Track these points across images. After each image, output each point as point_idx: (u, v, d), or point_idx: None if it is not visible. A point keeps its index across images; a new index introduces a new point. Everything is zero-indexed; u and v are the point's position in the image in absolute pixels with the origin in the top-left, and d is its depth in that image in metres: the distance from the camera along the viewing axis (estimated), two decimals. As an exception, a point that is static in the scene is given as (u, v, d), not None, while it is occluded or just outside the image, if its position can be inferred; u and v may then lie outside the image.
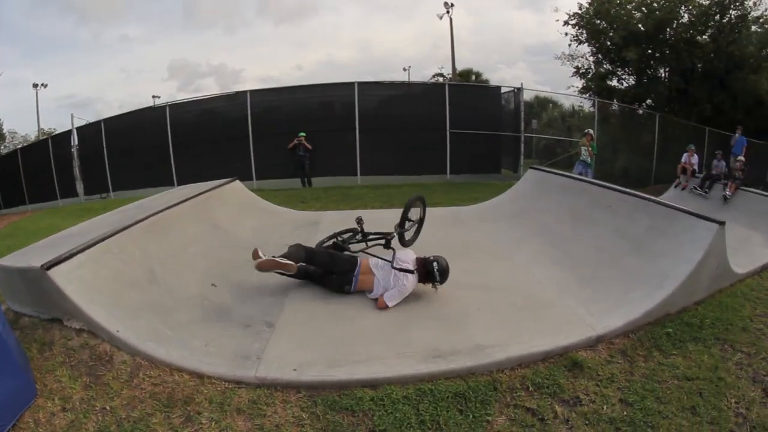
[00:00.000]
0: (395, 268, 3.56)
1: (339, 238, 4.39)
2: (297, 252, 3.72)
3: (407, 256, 3.68)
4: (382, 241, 4.09)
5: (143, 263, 3.67)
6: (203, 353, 2.91)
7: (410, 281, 3.52)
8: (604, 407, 2.50)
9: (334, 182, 11.60)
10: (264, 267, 3.52)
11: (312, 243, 4.29)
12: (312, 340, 3.08)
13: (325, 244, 4.33)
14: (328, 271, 3.68)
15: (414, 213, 4.63)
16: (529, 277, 4.03)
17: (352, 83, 12.22)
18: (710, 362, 2.88)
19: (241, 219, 5.48)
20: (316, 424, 2.39)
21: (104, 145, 13.82)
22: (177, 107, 13.34)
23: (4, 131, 28.87)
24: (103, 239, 3.45)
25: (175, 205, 4.65)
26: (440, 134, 12.39)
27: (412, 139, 12.36)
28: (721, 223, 3.55)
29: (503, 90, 13.87)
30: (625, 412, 2.47)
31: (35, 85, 26.51)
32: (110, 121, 14.11)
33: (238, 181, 6.23)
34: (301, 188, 11.67)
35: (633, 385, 2.67)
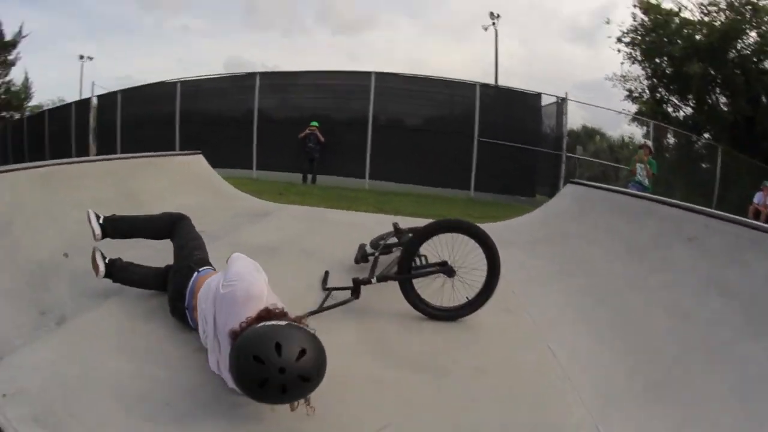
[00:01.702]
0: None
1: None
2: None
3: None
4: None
5: (5, 211, 3.01)
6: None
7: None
8: None
9: (340, 183, 10.28)
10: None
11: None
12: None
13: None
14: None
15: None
16: (547, 359, 2.18)
17: (369, 72, 10.71)
18: None
19: (173, 194, 4.62)
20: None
21: (118, 115, 13.72)
22: (188, 84, 12.52)
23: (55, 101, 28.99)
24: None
25: (91, 161, 4.52)
26: (467, 142, 10.50)
27: (433, 144, 10.66)
28: None
29: (545, 102, 11.58)
30: None
31: (81, 57, 26.36)
32: (126, 92, 13.94)
33: (201, 155, 5.99)
34: (300, 183, 10.38)
35: None
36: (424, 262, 2.70)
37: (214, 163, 10.58)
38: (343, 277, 2.90)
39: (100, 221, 2.54)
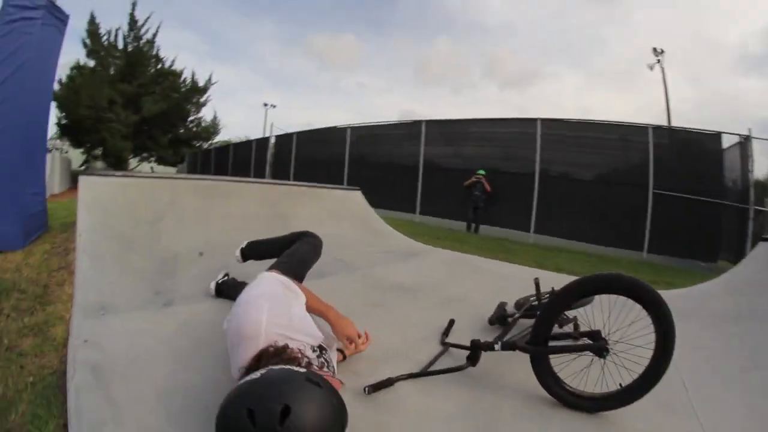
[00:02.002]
0: None
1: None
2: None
3: None
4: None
5: (161, 208, 3.83)
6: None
7: None
8: None
9: (503, 234, 9.78)
10: None
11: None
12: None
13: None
14: None
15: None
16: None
17: (534, 119, 10.01)
18: None
19: (322, 223, 4.71)
20: None
21: (293, 153, 15.97)
22: (358, 129, 13.67)
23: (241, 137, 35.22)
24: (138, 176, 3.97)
25: (246, 182, 4.92)
26: (640, 194, 8.88)
27: (604, 196, 9.33)
28: None
29: (725, 143, 9.01)
30: None
31: (265, 104, 31.50)
32: (301, 135, 16.02)
33: (359, 192, 6.16)
34: (464, 231, 10.14)
35: None
36: (571, 328, 2.19)
37: (379, 203, 11.13)
38: (472, 335, 2.55)
39: (243, 245, 2.82)
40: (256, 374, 1.18)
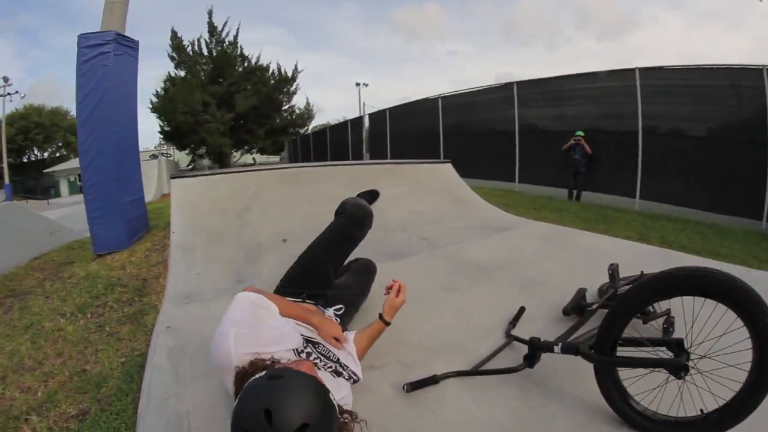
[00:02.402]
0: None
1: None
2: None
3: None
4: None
5: (247, 199, 4.09)
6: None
7: None
8: None
9: (607, 201, 8.77)
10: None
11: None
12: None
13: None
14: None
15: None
16: None
17: (632, 69, 8.51)
18: None
19: (409, 200, 4.77)
20: None
21: (387, 129, 15.92)
22: (449, 98, 13.18)
23: (339, 119, 36.37)
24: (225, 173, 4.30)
25: (331, 165, 5.04)
26: (755, 151, 7.01)
27: (714, 155, 7.62)
28: None
29: None
30: None
31: (357, 84, 31.94)
32: (394, 110, 15.85)
33: (449, 164, 5.86)
34: (563, 199, 9.34)
35: None
36: (659, 326, 1.86)
37: (476, 174, 11.09)
38: (543, 326, 2.31)
39: None
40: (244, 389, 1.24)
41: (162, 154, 27.40)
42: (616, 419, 1.57)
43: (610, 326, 1.56)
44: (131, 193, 4.61)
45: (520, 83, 10.93)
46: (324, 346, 1.68)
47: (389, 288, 1.91)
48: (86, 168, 4.16)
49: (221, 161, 25.46)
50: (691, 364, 1.45)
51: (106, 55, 4.12)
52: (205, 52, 23.34)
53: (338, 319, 2.01)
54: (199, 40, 23.14)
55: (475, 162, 11.78)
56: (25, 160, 42.65)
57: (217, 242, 3.56)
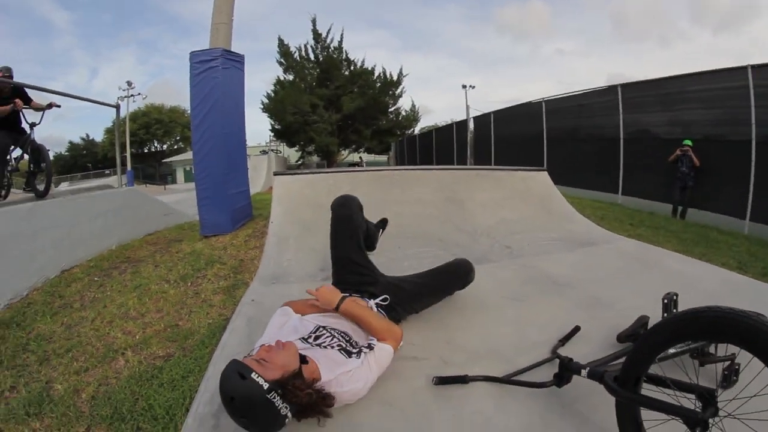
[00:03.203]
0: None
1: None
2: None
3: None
4: None
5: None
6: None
7: None
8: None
9: (714, 221, 7.79)
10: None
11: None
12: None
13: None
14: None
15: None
16: None
17: (744, 67, 7.27)
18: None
19: (498, 206, 4.86)
20: None
21: (492, 132, 15.90)
22: (552, 102, 12.70)
23: (447, 121, 36.31)
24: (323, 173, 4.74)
25: (423, 170, 5.20)
26: None
27: None
28: None
29: None
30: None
31: (463, 86, 31.53)
32: (498, 113, 15.71)
33: (545, 173, 5.81)
34: (667, 216, 8.47)
35: None
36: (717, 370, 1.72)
37: (579, 183, 10.75)
38: (593, 349, 2.27)
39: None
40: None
41: (272, 150, 29.81)
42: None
43: (635, 361, 1.49)
44: (237, 186, 5.27)
45: (624, 86, 10.18)
46: (333, 328, 1.99)
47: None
48: (198, 163, 4.88)
49: (328, 159, 27.07)
50: (715, 420, 1.30)
51: (215, 69, 4.78)
52: (312, 57, 24.98)
53: (382, 312, 2.24)
54: (305, 46, 24.92)
55: (579, 170, 11.28)
56: (146, 151, 49.43)
57: (308, 234, 3.96)
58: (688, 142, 8.37)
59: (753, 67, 7.25)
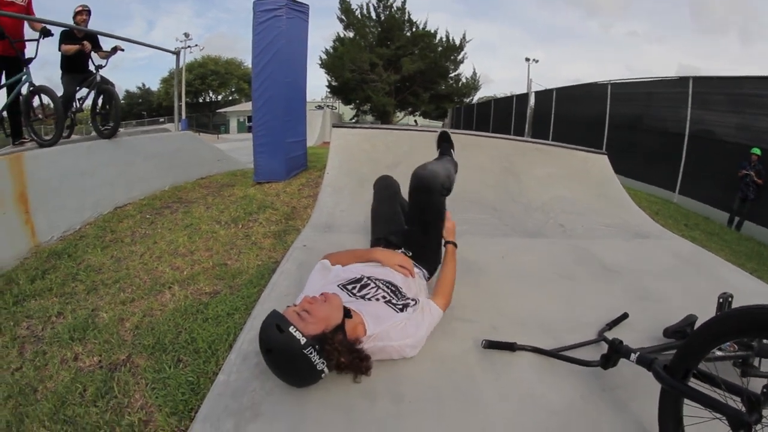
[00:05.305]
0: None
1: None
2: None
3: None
4: None
5: (400, 156, 4.38)
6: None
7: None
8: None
9: None
10: None
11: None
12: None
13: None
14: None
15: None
16: None
17: None
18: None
19: (554, 183, 4.77)
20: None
21: (552, 109, 15.43)
22: (618, 86, 12.05)
23: (506, 92, 35.12)
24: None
25: (487, 137, 5.28)
26: None
27: None
28: None
29: None
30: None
31: (527, 60, 30.05)
32: (561, 91, 15.18)
33: (605, 157, 5.61)
34: (723, 225, 8.04)
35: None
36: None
37: (634, 173, 10.29)
38: (638, 338, 2.22)
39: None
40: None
41: (327, 106, 29.85)
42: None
43: (687, 351, 1.46)
44: (294, 135, 5.33)
45: (697, 79, 9.46)
46: (378, 278, 1.98)
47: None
48: (258, 110, 4.94)
49: (384, 119, 26.94)
50: (757, 428, 1.26)
51: (279, 18, 4.77)
52: (373, 15, 24.40)
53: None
54: (367, 4, 24.38)
55: (637, 160, 10.74)
56: (200, 101, 50.11)
57: (364, 187, 3.80)
58: (756, 150, 7.80)
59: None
